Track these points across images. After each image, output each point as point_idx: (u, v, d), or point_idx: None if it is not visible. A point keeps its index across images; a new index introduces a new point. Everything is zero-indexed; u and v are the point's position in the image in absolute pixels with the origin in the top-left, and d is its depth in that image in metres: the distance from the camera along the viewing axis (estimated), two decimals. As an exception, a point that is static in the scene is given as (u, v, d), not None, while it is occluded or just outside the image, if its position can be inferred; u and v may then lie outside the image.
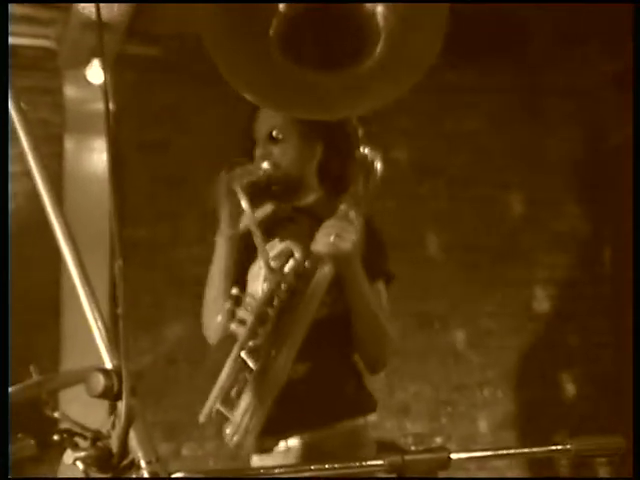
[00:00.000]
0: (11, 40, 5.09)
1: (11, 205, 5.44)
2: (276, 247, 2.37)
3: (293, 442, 2.35)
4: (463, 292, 5.81)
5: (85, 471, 1.10)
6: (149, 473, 1.08)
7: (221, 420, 2.20)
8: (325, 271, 2.22)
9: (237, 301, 2.23)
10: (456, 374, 5.82)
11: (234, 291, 2.25)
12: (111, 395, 1.10)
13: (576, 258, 6.21)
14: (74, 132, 5.36)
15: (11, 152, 5.32)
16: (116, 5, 4.43)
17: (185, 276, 5.22)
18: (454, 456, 1.52)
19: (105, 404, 4.36)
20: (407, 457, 1.49)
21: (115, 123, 5.31)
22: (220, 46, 2.17)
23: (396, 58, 2.16)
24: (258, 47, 2.20)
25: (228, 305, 2.24)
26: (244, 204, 2.29)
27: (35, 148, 1.26)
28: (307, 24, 2.26)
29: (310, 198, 2.52)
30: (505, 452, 1.65)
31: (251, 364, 2.19)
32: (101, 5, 4.50)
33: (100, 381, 1.10)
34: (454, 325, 5.85)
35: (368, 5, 2.17)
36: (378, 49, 2.16)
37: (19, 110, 1.28)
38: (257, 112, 2.49)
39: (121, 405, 1.11)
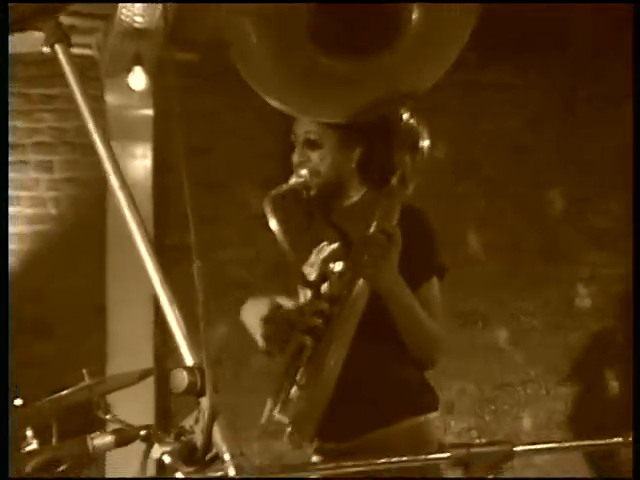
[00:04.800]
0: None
1: (55, 211, 5.52)
2: (323, 251, 2.35)
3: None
4: (505, 290, 5.81)
5: (171, 464, 1.13)
6: (234, 466, 1.11)
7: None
8: (361, 286, 2.22)
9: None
10: (499, 372, 5.82)
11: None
12: (195, 391, 1.14)
13: (618, 255, 6.18)
14: (116, 139, 5.41)
15: (54, 159, 5.32)
16: (157, 12, 4.48)
17: (227, 279, 5.27)
18: (518, 449, 1.54)
19: (150, 406, 4.38)
20: (472, 450, 1.51)
21: (158, 129, 5.38)
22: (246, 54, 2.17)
23: (427, 41, 2.15)
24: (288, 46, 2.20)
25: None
26: (272, 223, 2.24)
27: (110, 149, 1.29)
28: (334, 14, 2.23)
29: (353, 199, 2.48)
30: (568, 445, 1.66)
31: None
32: (143, 12, 4.54)
33: (184, 378, 1.13)
34: (497, 323, 5.85)
35: None
36: (407, 36, 2.15)
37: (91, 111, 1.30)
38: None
39: (204, 401, 1.14)
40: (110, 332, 5.26)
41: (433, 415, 2.45)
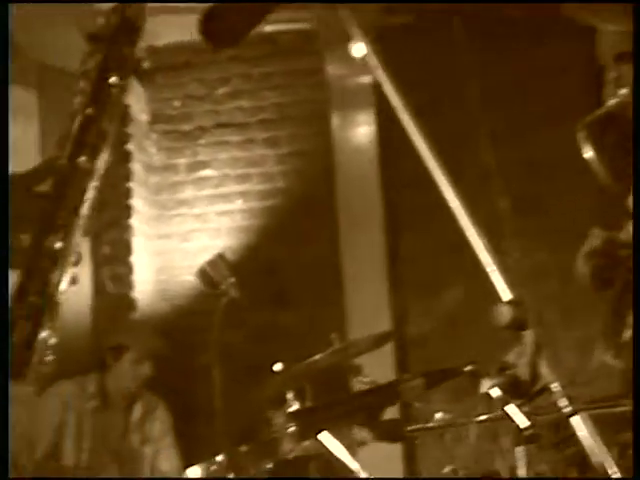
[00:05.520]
0: (270, 28, 5.23)
1: (283, 185, 5.65)
2: None
3: None
4: None
5: (500, 397, 1.14)
6: (563, 397, 1.11)
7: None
8: None
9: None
10: None
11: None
12: (518, 324, 1.14)
13: None
14: (339, 108, 5.50)
15: (279, 134, 5.43)
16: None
17: (462, 239, 5.24)
18: None
19: (387, 364, 4.35)
20: None
21: (379, 95, 5.41)
22: None
23: None
24: None
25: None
26: (587, 153, 2.10)
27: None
28: None
29: None
30: None
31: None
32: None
33: (508, 312, 1.14)
34: None
35: None
36: None
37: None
38: (595, 38, 2.36)
39: (528, 335, 1.14)
40: (349, 302, 5.33)
41: None
